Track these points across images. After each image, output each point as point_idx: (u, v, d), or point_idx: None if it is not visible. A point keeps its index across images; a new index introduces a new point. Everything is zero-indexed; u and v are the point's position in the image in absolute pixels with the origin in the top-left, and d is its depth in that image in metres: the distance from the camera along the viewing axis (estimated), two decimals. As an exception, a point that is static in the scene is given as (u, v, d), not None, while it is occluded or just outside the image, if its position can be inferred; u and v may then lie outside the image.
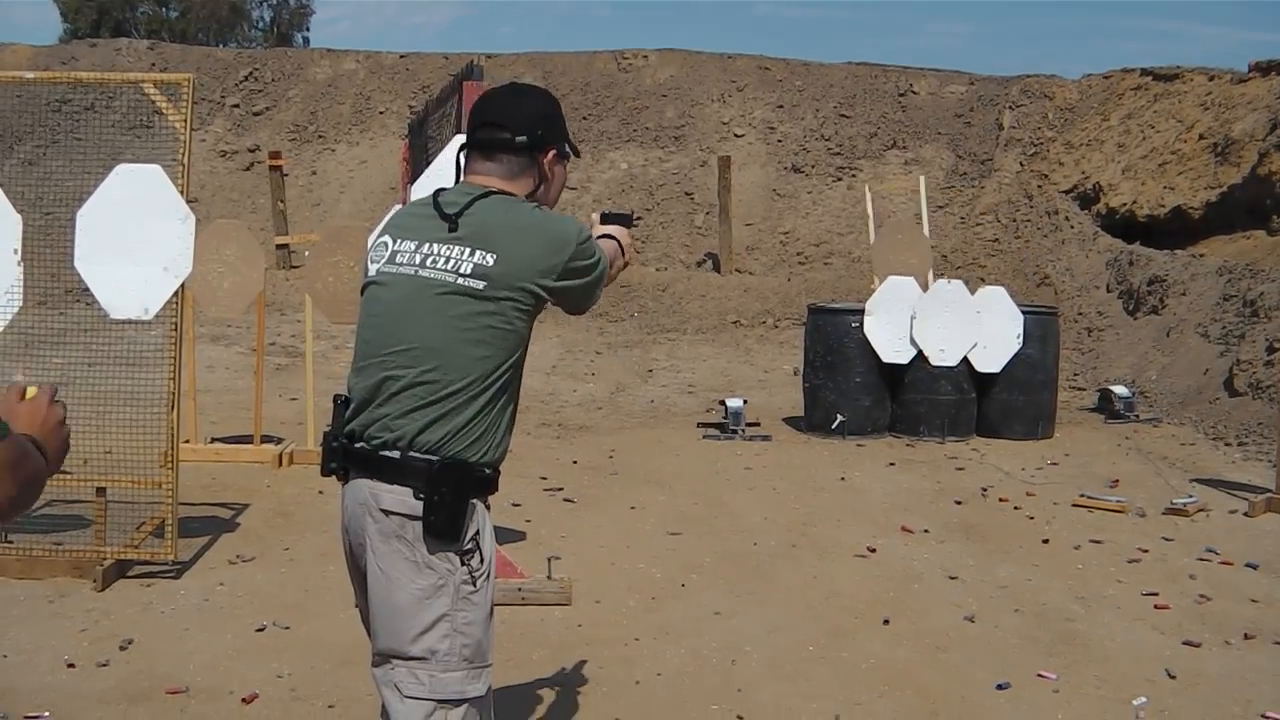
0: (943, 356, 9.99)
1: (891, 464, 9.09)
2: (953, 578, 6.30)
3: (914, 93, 20.44)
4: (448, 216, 2.84)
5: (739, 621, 5.56)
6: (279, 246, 17.51)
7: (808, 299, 14.65)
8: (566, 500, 7.74)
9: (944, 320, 10.03)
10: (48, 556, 5.93)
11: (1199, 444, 9.91)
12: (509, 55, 22.11)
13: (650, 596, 5.90)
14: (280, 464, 8.40)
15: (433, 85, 18.82)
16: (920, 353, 10.00)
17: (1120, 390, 11.20)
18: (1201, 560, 6.70)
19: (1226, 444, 9.82)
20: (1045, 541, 7.03)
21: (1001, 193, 18.51)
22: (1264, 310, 11.73)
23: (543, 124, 2.98)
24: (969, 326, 10.05)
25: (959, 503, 7.90)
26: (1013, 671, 5.01)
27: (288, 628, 5.33)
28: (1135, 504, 7.80)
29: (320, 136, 21.15)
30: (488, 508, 2.91)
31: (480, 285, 2.76)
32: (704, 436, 9.91)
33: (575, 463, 8.84)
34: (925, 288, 10.42)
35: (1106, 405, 11.19)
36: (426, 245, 2.83)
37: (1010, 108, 19.65)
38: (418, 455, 2.76)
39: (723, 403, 10.33)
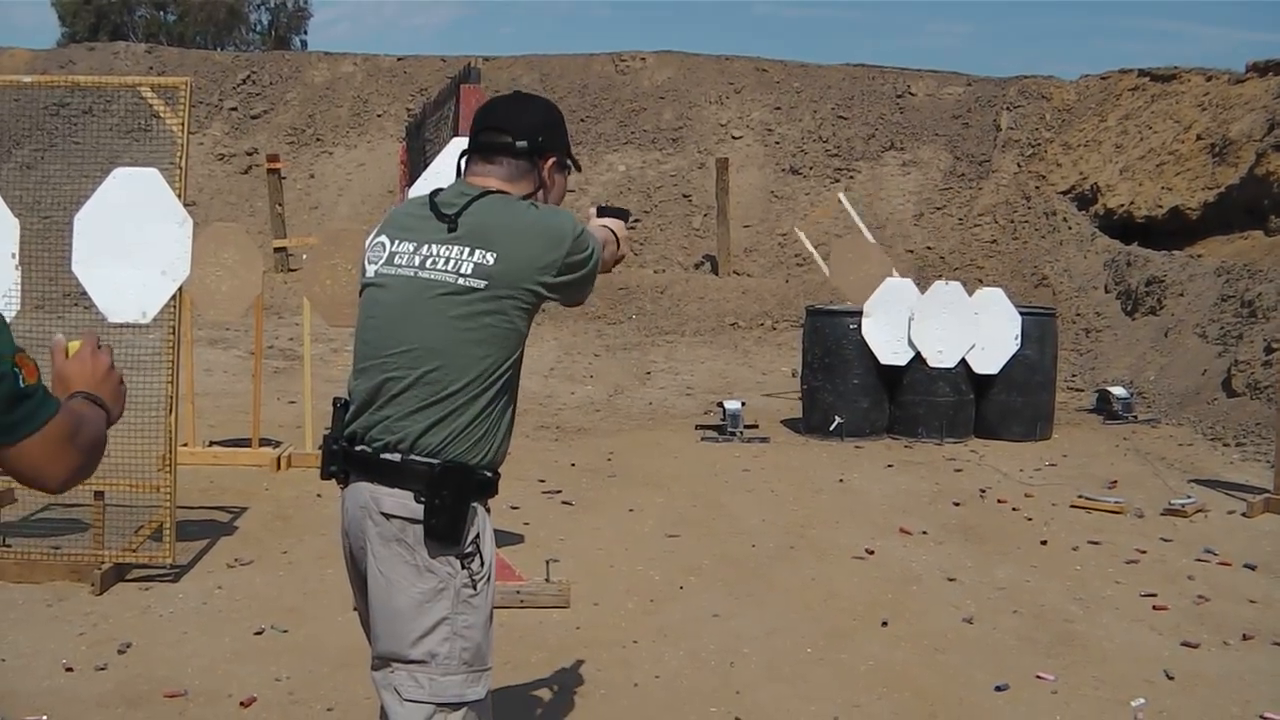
0: (941, 358, 9.99)
1: (890, 465, 9.09)
2: (951, 579, 6.30)
3: (911, 94, 20.46)
4: (446, 217, 2.84)
5: (737, 623, 5.56)
6: (277, 250, 17.51)
7: (806, 301, 14.66)
8: (565, 503, 7.74)
9: (942, 321, 10.03)
10: (46, 560, 5.92)
11: (1197, 444, 9.91)
12: (507, 58, 22.13)
13: (649, 599, 5.90)
14: (278, 467, 8.40)
15: (430, 88, 18.84)
16: (918, 354, 10.00)
17: (1118, 391, 11.21)
18: (1200, 561, 6.70)
19: (1225, 444, 9.83)
20: (1043, 543, 7.03)
21: (999, 194, 18.52)
22: (1262, 310, 11.73)
23: (544, 131, 2.99)
24: (967, 328, 10.05)
25: (957, 504, 7.90)
26: (1011, 673, 5.01)
27: (286, 631, 5.33)
28: (1133, 505, 7.80)
29: (318, 139, 21.16)
30: (488, 511, 2.91)
31: (481, 284, 2.76)
32: (702, 439, 9.91)
33: (573, 465, 8.84)
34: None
35: (1105, 406, 11.19)
36: (426, 246, 2.83)
37: (1008, 109, 19.67)
38: (419, 458, 2.76)
39: (721, 405, 10.33)
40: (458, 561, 2.78)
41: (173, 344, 6.04)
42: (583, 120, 20.17)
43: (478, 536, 2.83)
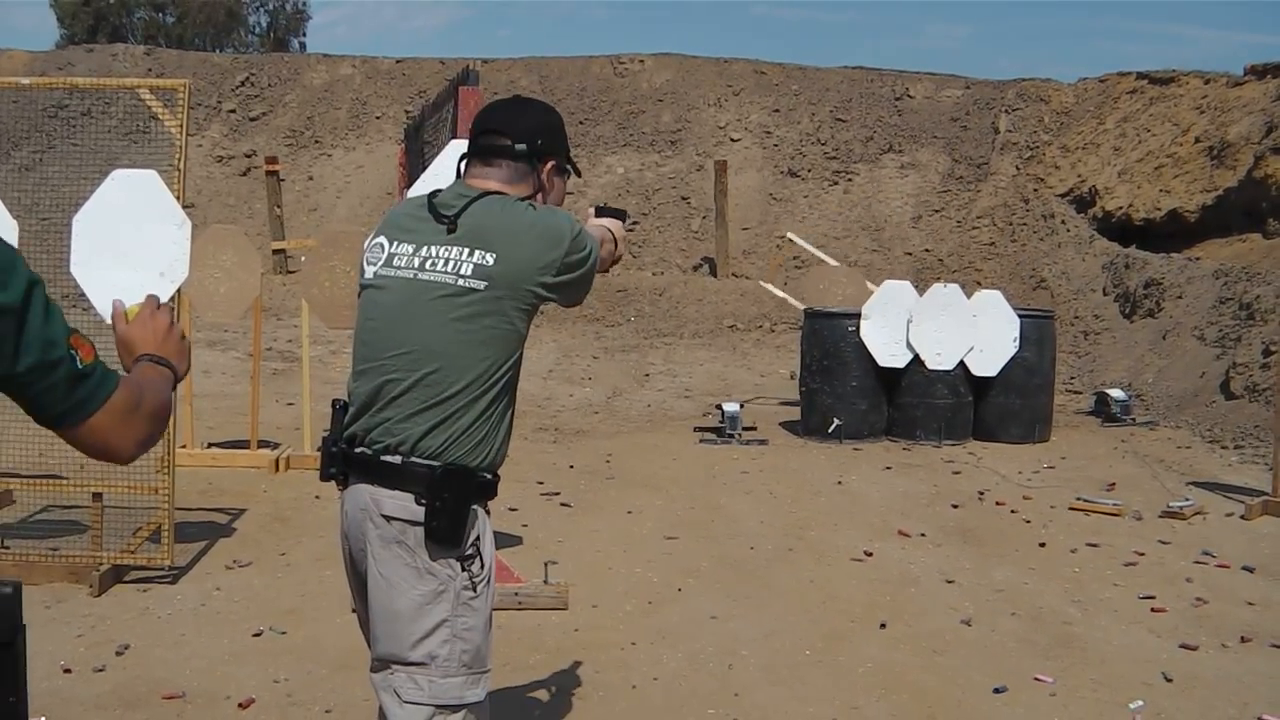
0: (939, 360, 9.99)
1: (888, 468, 9.09)
2: (949, 581, 6.31)
3: (910, 96, 20.48)
4: (445, 218, 2.84)
5: (736, 625, 5.56)
6: (275, 251, 17.51)
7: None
8: (563, 505, 7.74)
9: (940, 324, 10.03)
10: (44, 562, 5.92)
11: (1195, 447, 9.91)
12: (505, 60, 22.15)
13: (647, 601, 5.90)
14: (277, 469, 8.39)
15: (429, 90, 18.84)
16: (916, 356, 10.01)
17: (1117, 393, 11.22)
18: (1198, 563, 6.70)
19: (1223, 447, 9.83)
20: (1042, 545, 7.03)
21: (998, 196, 18.53)
22: (1260, 313, 11.74)
23: (543, 135, 2.99)
24: (965, 330, 10.05)
25: (956, 506, 7.90)
26: (1010, 675, 5.01)
27: (284, 633, 5.33)
28: (1132, 507, 7.80)
29: (317, 141, 21.17)
30: (488, 513, 2.91)
31: (481, 285, 2.76)
32: (701, 441, 9.91)
33: (572, 467, 8.84)
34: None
35: (1103, 408, 11.20)
36: (425, 248, 2.83)
37: (1006, 111, 19.68)
38: (419, 461, 2.76)
39: (719, 407, 10.33)
40: (458, 564, 2.78)
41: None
42: (581, 122, 20.18)
43: (478, 539, 2.84)
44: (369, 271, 2.94)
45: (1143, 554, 6.84)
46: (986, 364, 10.06)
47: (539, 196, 2.98)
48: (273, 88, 22.10)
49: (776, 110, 20.61)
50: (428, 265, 2.81)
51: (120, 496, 6.09)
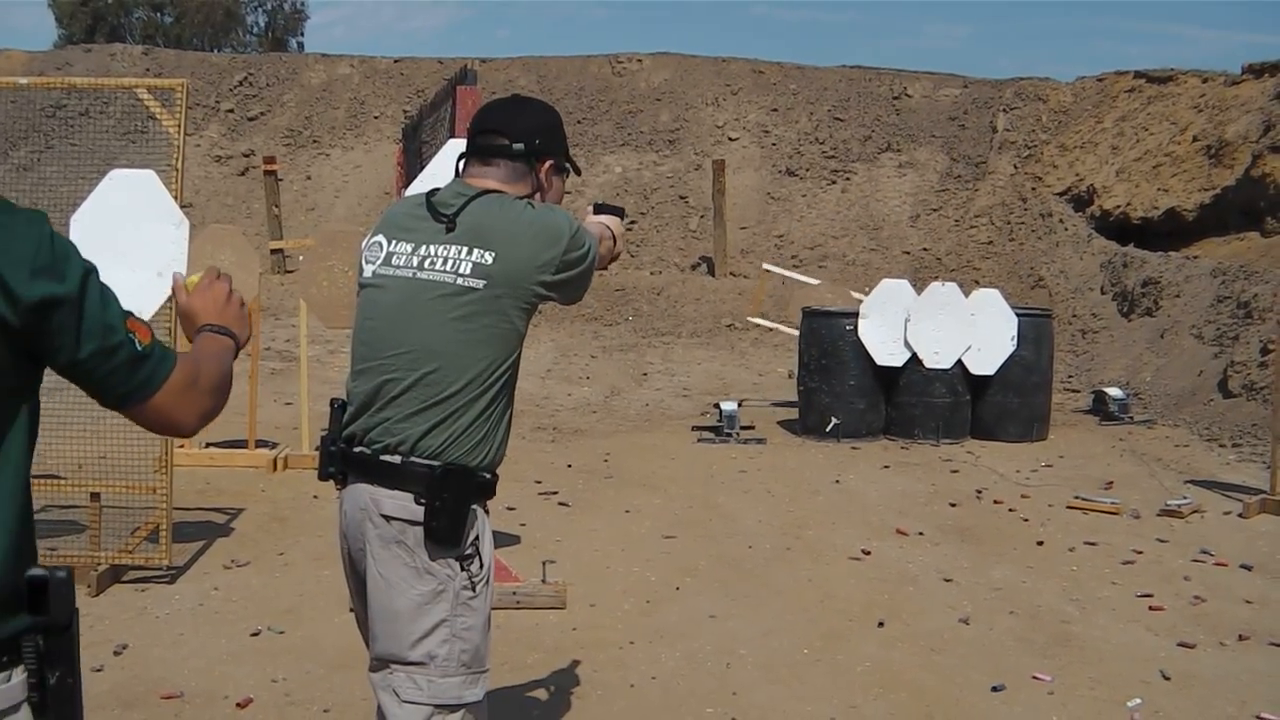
0: (937, 359, 10.00)
1: (886, 467, 9.10)
2: (947, 580, 6.31)
3: (908, 96, 20.47)
4: (444, 217, 2.84)
5: (734, 624, 5.56)
6: (273, 251, 17.49)
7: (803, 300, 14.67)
8: (561, 504, 7.74)
9: (938, 323, 10.04)
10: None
11: (1193, 445, 9.92)
12: (503, 60, 22.14)
13: (645, 600, 5.90)
14: (275, 468, 8.40)
15: (427, 90, 18.82)
16: (915, 355, 10.01)
17: (1114, 392, 11.22)
18: (1196, 562, 6.70)
19: (1221, 445, 9.84)
20: (1040, 543, 7.03)
21: (995, 195, 18.54)
22: (1258, 311, 11.75)
23: (541, 134, 2.99)
24: (963, 329, 10.06)
25: (953, 505, 7.90)
26: (1008, 673, 5.01)
27: (282, 632, 5.33)
28: (1130, 506, 7.81)
29: (315, 141, 21.15)
30: (487, 513, 2.91)
31: (480, 285, 2.76)
32: (699, 440, 9.92)
33: (570, 466, 8.85)
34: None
35: (1101, 407, 11.20)
36: (424, 247, 2.83)
37: (1004, 110, 19.68)
38: (419, 460, 2.76)
39: (717, 406, 10.34)
40: (457, 564, 2.78)
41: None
42: (579, 122, 20.17)
43: (477, 538, 2.84)
44: (368, 271, 2.94)
45: (1141, 552, 6.84)
46: (984, 363, 10.07)
47: (537, 195, 2.97)
48: (271, 87, 22.09)
49: (774, 109, 20.61)
50: (426, 264, 2.81)
51: (118, 496, 6.09)
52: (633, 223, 18.31)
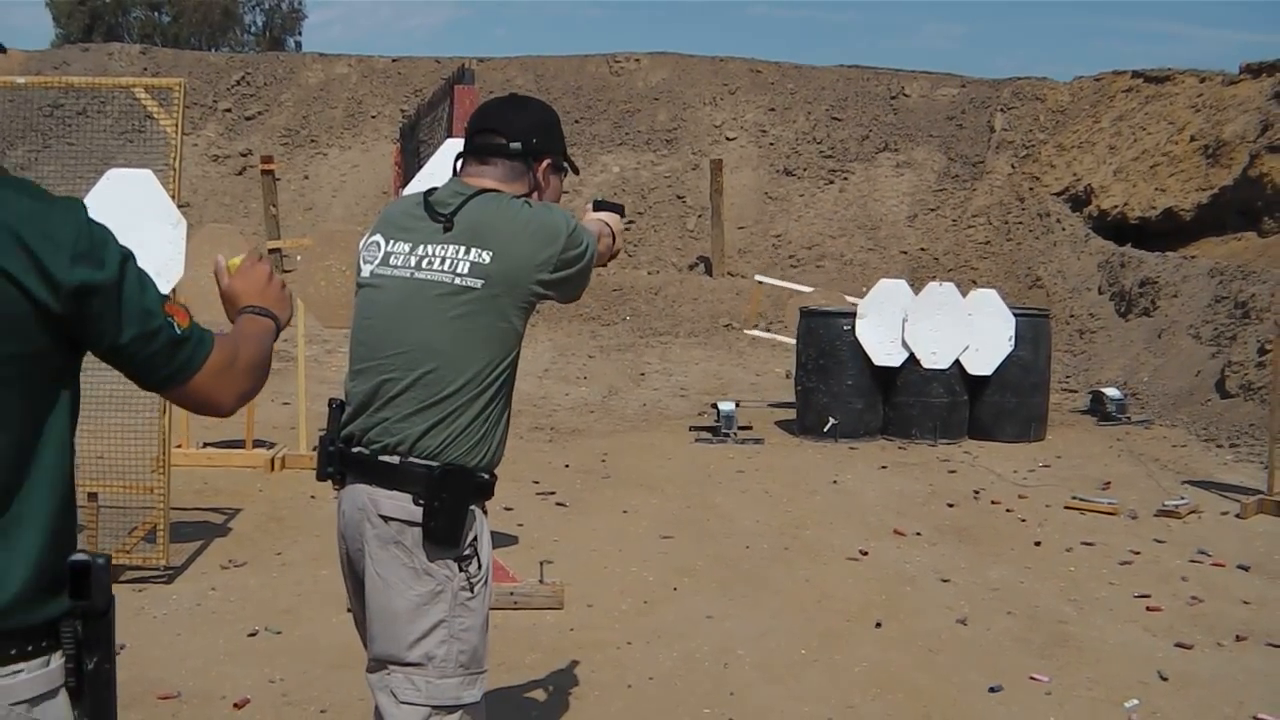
0: (934, 359, 10.00)
1: (883, 467, 9.10)
2: (945, 580, 6.31)
3: (905, 95, 20.47)
4: (441, 216, 2.84)
5: (731, 625, 5.56)
6: (271, 251, 17.43)
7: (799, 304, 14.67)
8: (559, 504, 7.74)
9: (936, 323, 10.04)
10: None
11: (1191, 446, 9.93)
12: (501, 59, 22.13)
13: (642, 600, 5.90)
14: (272, 468, 8.39)
15: (425, 89, 18.83)
16: (912, 355, 10.01)
17: (1112, 392, 11.23)
18: (1193, 562, 6.71)
19: (1218, 445, 9.84)
20: (1037, 544, 7.03)
21: (993, 195, 18.54)
22: (1255, 311, 11.76)
23: (539, 133, 2.99)
24: (961, 329, 10.06)
25: (951, 505, 7.90)
26: (1005, 674, 5.01)
27: (280, 632, 5.33)
28: (1127, 506, 7.81)
29: (312, 140, 21.14)
30: (485, 513, 2.91)
31: (478, 284, 2.76)
32: (696, 440, 9.91)
33: (567, 466, 8.84)
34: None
35: (1098, 407, 11.21)
36: (422, 247, 2.83)
37: (1001, 110, 19.68)
38: (417, 461, 2.76)
39: (715, 406, 10.33)
40: (455, 564, 2.78)
41: (167, 345, 6.01)
42: (577, 121, 20.17)
43: (475, 539, 2.83)
44: (366, 270, 2.93)
45: (1138, 553, 6.84)
46: (982, 363, 10.07)
47: (534, 195, 2.97)
48: (268, 87, 22.07)
49: (772, 109, 20.61)
50: (424, 264, 2.81)
51: (115, 496, 6.08)
52: (630, 222, 18.31)
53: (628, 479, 8.47)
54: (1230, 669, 5.15)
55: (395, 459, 2.77)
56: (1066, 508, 7.82)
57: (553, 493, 7.97)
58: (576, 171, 3.20)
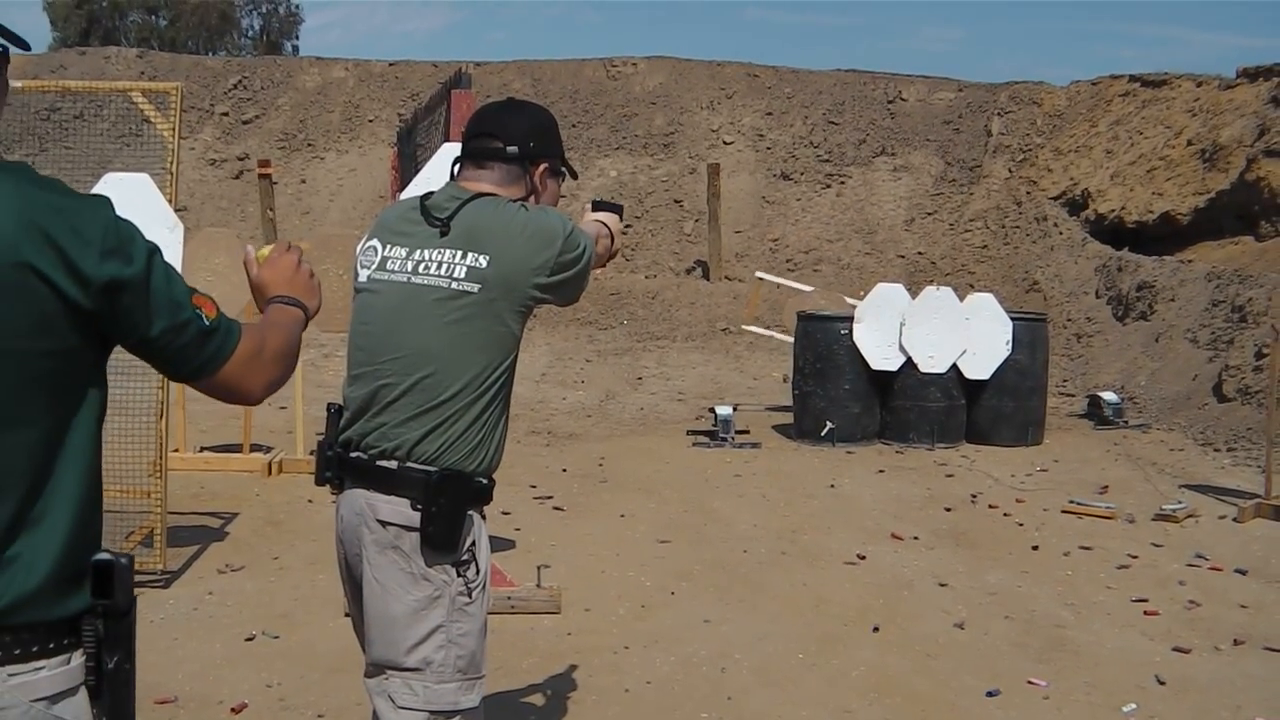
0: (932, 363, 10.00)
1: (881, 471, 9.09)
2: (942, 584, 6.31)
3: (902, 99, 20.48)
4: (438, 220, 2.84)
5: (729, 629, 5.56)
6: (269, 254, 17.44)
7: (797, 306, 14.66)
8: (556, 508, 7.73)
9: (933, 327, 10.04)
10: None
11: (1188, 450, 9.93)
12: (498, 63, 22.12)
13: (640, 604, 5.89)
14: (270, 473, 8.38)
15: (422, 93, 18.82)
16: (909, 359, 10.01)
17: (1109, 396, 11.22)
18: (1191, 566, 6.71)
19: (1216, 449, 9.84)
20: (1035, 548, 7.03)
21: (990, 199, 18.55)
22: (1252, 316, 11.76)
23: (535, 137, 2.98)
24: (958, 333, 10.06)
25: (948, 509, 7.90)
26: (1003, 678, 5.01)
27: (277, 637, 5.32)
28: (1124, 510, 7.81)
29: (309, 144, 21.13)
30: (483, 518, 2.90)
31: (475, 288, 2.76)
32: (694, 444, 9.91)
33: (565, 471, 8.84)
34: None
35: (1096, 411, 11.21)
36: (418, 251, 2.83)
37: (999, 114, 19.69)
38: (415, 465, 2.76)
39: (712, 410, 10.33)
40: (453, 569, 2.78)
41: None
42: (574, 125, 20.16)
43: (473, 544, 2.83)
44: (363, 275, 2.93)
45: (1136, 557, 6.84)
46: (979, 367, 10.07)
47: (531, 198, 2.97)
48: (265, 91, 22.06)
49: (769, 113, 20.62)
50: (421, 268, 2.81)
51: (112, 500, 6.02)
52: (628, 226, 18.29)
53: (625, 483, 8.47)
54: (1228, 673, 5.15)
55: (393, 464, 2.77)
56: (1064, 512, 7.82)
57: (550, 497, 7.96)
58: (575, 175, 3.20)
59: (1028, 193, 18.27)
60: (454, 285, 2.76)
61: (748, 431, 10.25)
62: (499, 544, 6.49)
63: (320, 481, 2.94)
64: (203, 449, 8.86)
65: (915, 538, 7.20)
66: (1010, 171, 18.80)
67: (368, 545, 2.80)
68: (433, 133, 6.95)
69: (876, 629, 5.59)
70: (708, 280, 17.99)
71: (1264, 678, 5.10)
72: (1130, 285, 14.60)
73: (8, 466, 1.81)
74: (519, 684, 4.83)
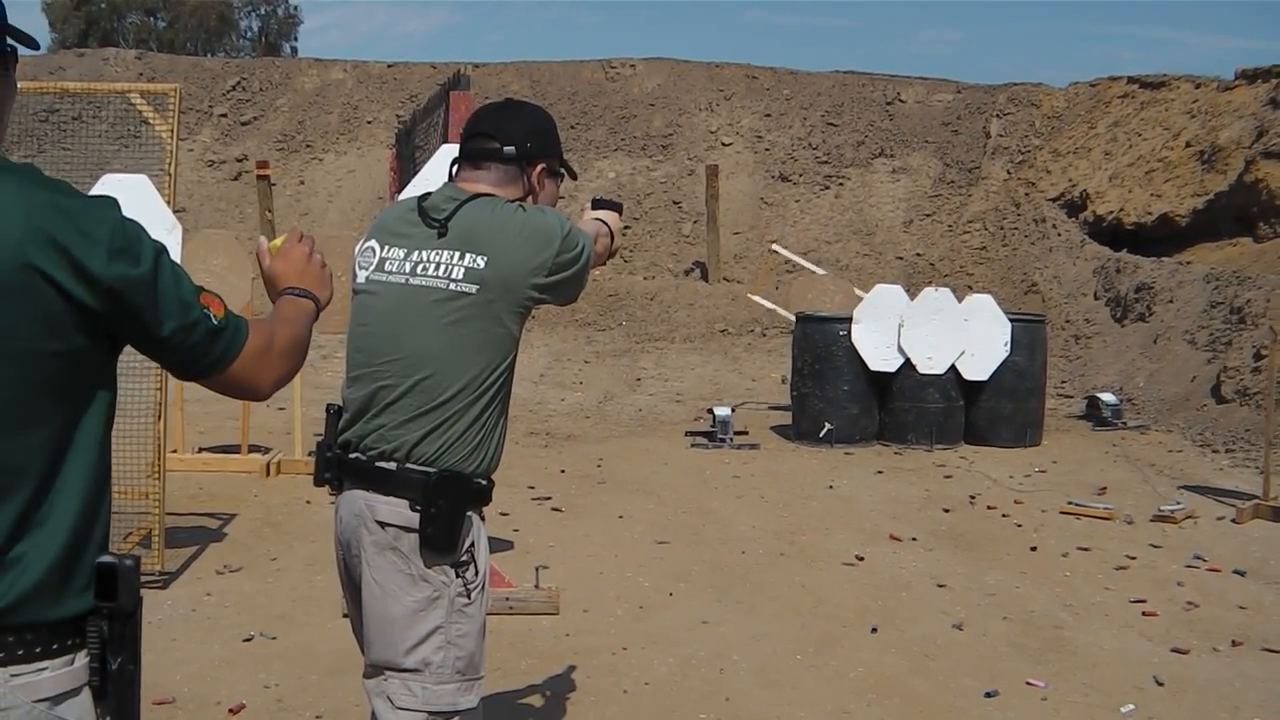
0: (930, 364, 10.00)
1: (879, 472, 9.09)
2: (941, 586, 6.31)
3: (901, 101, 20.49)
4: (435, 221, 2.84)
5: (727, 630, 5.56)
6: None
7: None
8: (554, 509, 7.73)
9: (931, 328, 10.04)
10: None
11: (1186, 451, 9.93)
12: (496, 65, 22.12)
13: (638, 605, 5.89)
14: (268, 474, 8.38)
15: (420, 95, 18.81)
16: (908, 361, 10.01)
17: (1108, 398, 11.22)
18: (1189, 567, 6.71)
19: (1214, 451, 9.84)
20: (1033, 549, 7.03)
21: (989, 201, 18.55)
22: (1251, 317, 11.76)
23: (533, 137, 2.98)
24: (956, 334, 10.06)
25: (947, 511, 7.90)
26: (1001, 679, 5.01)
27: (275, 638, 5.32)
28: (1123, 511, 7.81)
29: (308, 146, 21.13)
30: (482, 519, 2.90)
31: (473, 289, 2.76)
32: (692, 445, 9.91)
33: (563, 472, 8.84)
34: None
35: (1094, 413, 11.21)
36: (416, 252, 2.83)
37: (997, 116, 19.70)
38: (414, 467, 2.76)
39: (711, 411, 10.33)
40: (452, 570, 2.78)
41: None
42: (573, 127, 20.16)
43: (472, 545, 2.83)
44: (361, 276, 2.94)
45: (1134, 558, 6.85)
46: (978, 368, 10.07)
47: (529, 199, 2.97)
48: (264, 92, 22.06)
49: (768, 115, 20.62)
50: (419, 270, 2.81)
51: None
52: (626, 228, 18.29)
53: (623, 484, 8.47)
54: (1226, 674, 5.15)
55: (392, 465, 2.77)
56: (1062, 513, 7.82)
57: (548, 498, 7.96)
58: (574, 176, 3.20)
59: (1026, 194, 18.28)
60: (452, 286, 2.76)
61: (746, 432, 10.25)
62: (497, 545, 6.49)
63: (319, 482, 2.94)
64: (201, 450, 8.86)
65: (914, 539, 7.20)
66: (1009, 173, 18.81)
67: (366, 546, 2.80)
68: (431, 134, 6.95)
69: (875, 630, 5.60)
70: (706, 281, 17.99)
71: (1262, 679, 5.10)
72: (1129, 287, 14.60)
73: (15, 467, 1.81)
74: (517, 685, 4.83)
